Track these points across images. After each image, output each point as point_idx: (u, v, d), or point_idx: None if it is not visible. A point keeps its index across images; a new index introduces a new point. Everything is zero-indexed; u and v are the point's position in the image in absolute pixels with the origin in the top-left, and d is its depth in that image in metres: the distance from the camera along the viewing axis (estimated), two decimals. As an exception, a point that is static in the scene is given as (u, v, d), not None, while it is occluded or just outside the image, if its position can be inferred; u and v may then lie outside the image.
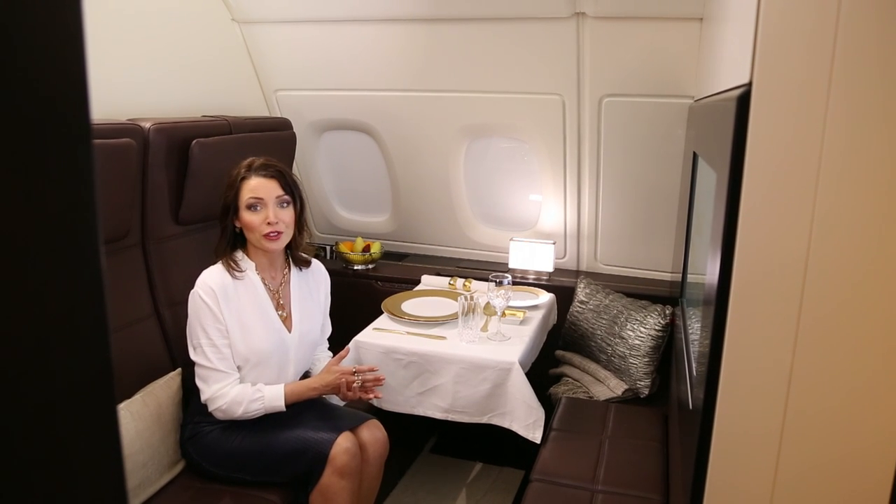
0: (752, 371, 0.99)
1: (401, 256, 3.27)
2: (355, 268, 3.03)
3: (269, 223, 1.84)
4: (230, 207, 1.87)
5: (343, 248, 3.06)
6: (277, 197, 1.87)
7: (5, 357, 0.29)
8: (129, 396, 1.86)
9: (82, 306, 0.32)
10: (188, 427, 1.91)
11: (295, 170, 3.04)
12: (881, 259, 0.91)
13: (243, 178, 1.86)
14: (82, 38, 0.30)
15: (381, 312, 2.47)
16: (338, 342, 2.34)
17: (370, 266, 3.05)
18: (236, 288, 1.87)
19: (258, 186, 1.85)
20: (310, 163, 3.21)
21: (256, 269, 1.93)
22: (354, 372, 1.91)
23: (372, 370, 1.95)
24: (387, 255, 3.18)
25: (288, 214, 1.89)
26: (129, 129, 1.96)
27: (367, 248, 3.05)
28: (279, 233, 1.86)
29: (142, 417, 1.83)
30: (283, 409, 1.85)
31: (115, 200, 1.91)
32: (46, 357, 0.31)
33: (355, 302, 2.93)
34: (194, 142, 2.15)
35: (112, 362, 0.33)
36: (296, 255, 2.03)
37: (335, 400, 2.20)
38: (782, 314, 0.96)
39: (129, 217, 1.99)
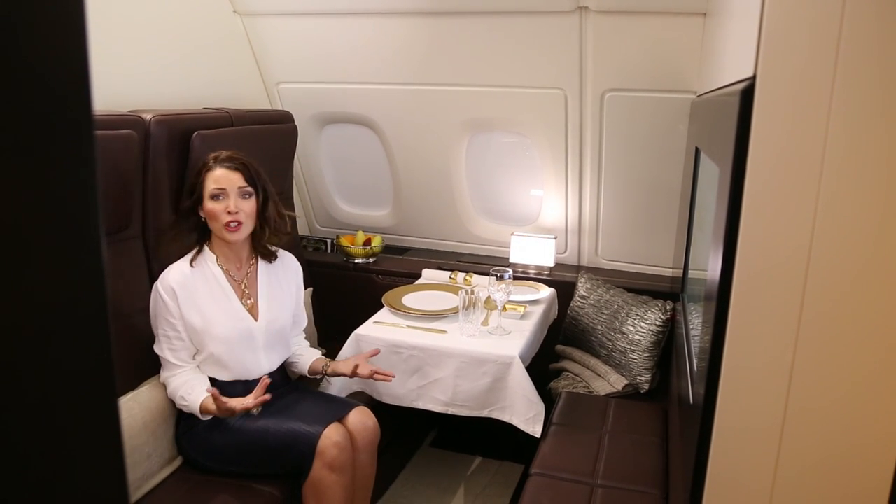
0: (754, 367, 0.99)
1: (402, 250, 3.27)
2: (356, 261, 3.02)
3: (229, 212, 1.89)
4: (193, 195, 1.92)
5: (344, 241, 3.06)
6: (240, 188, 1.91)
7: (6, 348, 0.28)
8: (131, 387, 1.86)
9: (83, 297, 0.32)
10: (182, 422, 1.93)
11: (296, 163, 3.04)
12: (884, 254, 0.91)
13: (208, 169, 1.91)
14: (84, 30, 0.30)
15: (382, 306, 2.47)
16: (339, 336, 2.35)
17: (371, 260, 3.05)
18: (195, 280, 1.92)
19: (221, 177, 1.90)
20: (311, 156, 3.20)
21: (218, 261, 1.97)
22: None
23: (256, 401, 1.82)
24: (388, 249, 3.18)
25: (249, 206, 1.93)
26: (131, 121, 1.96)
27: (367, 242, 3.05)
28: (239, 223, 1.91)
29: (148, 409, 1.85)
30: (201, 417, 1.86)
31: (116, 192, 1.90)
32: (47, 348, 0.30)
33: (356, 295, 2.94)
34: (195, 134, 2.14)
35: (112, 353, 0.33)
36: (259, 247, 2.05)
37: (334, 390, 2.21)
38: (784, 310, 0.96)
39: (129, 208, 1.99)
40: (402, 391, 2.22)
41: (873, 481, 0.97)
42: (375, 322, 2.36)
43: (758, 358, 0.99)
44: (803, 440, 0.99)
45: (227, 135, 2.29)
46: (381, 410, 2.05)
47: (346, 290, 2.98)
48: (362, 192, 3.31)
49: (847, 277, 0.93)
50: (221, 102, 2.61)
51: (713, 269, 1.08)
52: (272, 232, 2.02)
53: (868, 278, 0.92)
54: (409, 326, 2.31)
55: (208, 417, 1.86)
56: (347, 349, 2.26)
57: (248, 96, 2.91)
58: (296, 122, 2.82)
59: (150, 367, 1.95)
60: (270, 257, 2.08)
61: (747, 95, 0.93)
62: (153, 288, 1.92)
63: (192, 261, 1.94)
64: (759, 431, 1.01)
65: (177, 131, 2.12)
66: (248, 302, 2.00)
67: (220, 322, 1.91)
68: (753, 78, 0.92)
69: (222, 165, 1.91)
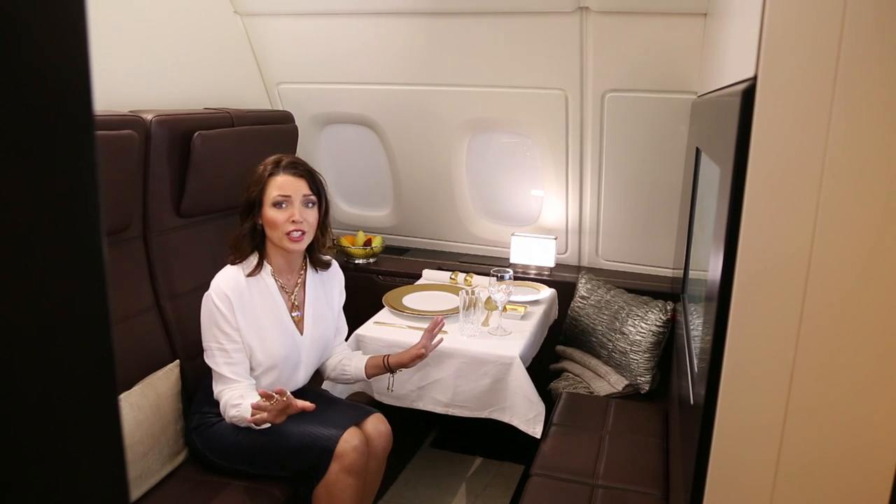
0: (754, 367, 0.99)
1: (402, 250, 3.27)
2: (356, 262, 3.03)
3: (293, 221, 1.83)
4: (255, 204, 1.84)
5: (344, 241, 3.06)
6: (304, 196, 1.86)
7: (8, 347, 0.28)
8: (129, 388, 1.86)
9: (84, 298, 0.32)
10: (195, 416, 1.91)
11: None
12: (884, 254, 0.91)
13: (271, 175, 1.84)
14: (85, 30, 0.30)
15: (383, 306, 2.47)
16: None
17: (371, 260, 3.05)
18: (251, 291, 1.85)
19: (285, 184, 1.84)
20: (311, 156, 3.20)
21: (273, 272, 1.91)
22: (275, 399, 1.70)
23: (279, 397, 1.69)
24: (388, 249, 3.18)
25: (313, 215, 1.88)
26: (131, 121, 1.96)
27: (368, 242, 3.05)
28: (302, 232, 1.85)
29: (141, 408, 1.84)
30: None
31: (117, 192, 1.90)
32: (49, 347, 0.30)
33: (356, 296, 2.92)
34: (196, 134, 2.14)
35: (114, 353, 0.33)
36: (315, 256, 2.01)
37: (338, 392, 2.21)
38: (785, 310, 0.96)
39: (130, 209, 1.99)
40: (403, 392, 2.22)
41: (874, 481, 0.97)
42: (376, 322, 2.36)
43: (759, 358, 0.98)
44: (804, 440, 0.99)
45: (228, 135, 2.30)
46: (382, 411, 2.04)
47: (346, 291, 2.98)
48: (363, 193, 3.31)
49: (848, 277, 0.93)
50: (222, 103, 2.61)
51: (714, 270, 1.08)
52: (324, 244, 1.98)
53: (869, 278, 0.92)
54: (409, 327, 2.31)
55: (264, 426, 1.73)
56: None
57: (248, 97, 2.91)
58: (296, 123, 2.82)
59: (146, 367, 1.95)
60: (324, 266, 2.03)
61: (748, 96, 0.92)
62: (204, 299, 1.83)
63: (249, 273, 1.85)
64: (760, 432, 1.01)
65: (178, 132, 2.12)
66: (297, 315, 1.95)
67: (272, 336, 1.86)
68: (754, 78, 0.92)
69: (286, 172, 1.84)
